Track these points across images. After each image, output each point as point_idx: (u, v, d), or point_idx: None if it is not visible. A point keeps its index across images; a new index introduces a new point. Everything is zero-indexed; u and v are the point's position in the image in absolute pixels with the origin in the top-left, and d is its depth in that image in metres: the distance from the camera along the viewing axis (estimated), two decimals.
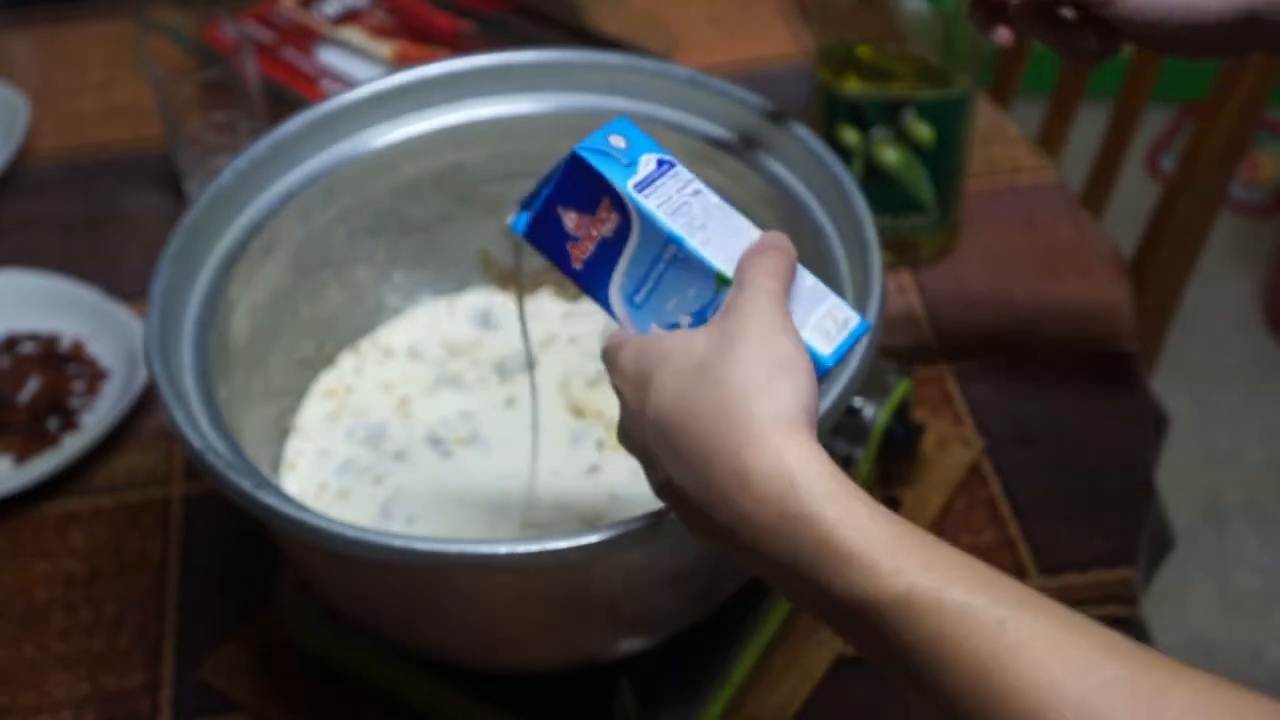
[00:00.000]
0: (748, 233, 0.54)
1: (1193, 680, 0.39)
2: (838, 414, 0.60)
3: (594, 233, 0.56)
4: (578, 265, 0.57)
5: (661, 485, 0.50)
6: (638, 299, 0.56)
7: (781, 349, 0.48)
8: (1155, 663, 0.40)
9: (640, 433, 0.50)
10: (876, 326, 0.63)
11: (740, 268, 0.52)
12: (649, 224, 0.54)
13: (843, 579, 0.43)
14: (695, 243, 0.53)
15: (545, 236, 0.58)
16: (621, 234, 0.55)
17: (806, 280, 0.53)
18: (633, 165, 0.55)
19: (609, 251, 0.56)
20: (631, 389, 0.51)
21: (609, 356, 0.53)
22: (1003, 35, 0.69)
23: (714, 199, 0.55)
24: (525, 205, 0.58)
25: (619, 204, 0.55)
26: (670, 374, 0.49)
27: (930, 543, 0.44)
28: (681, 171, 0.56)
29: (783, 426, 0.46)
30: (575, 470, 0.75)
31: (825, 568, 0.44)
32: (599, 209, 0.55)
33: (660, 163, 0.56)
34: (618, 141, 0.56)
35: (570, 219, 0.57)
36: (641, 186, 0.54)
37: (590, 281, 0.57)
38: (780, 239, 0.53)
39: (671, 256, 0.54)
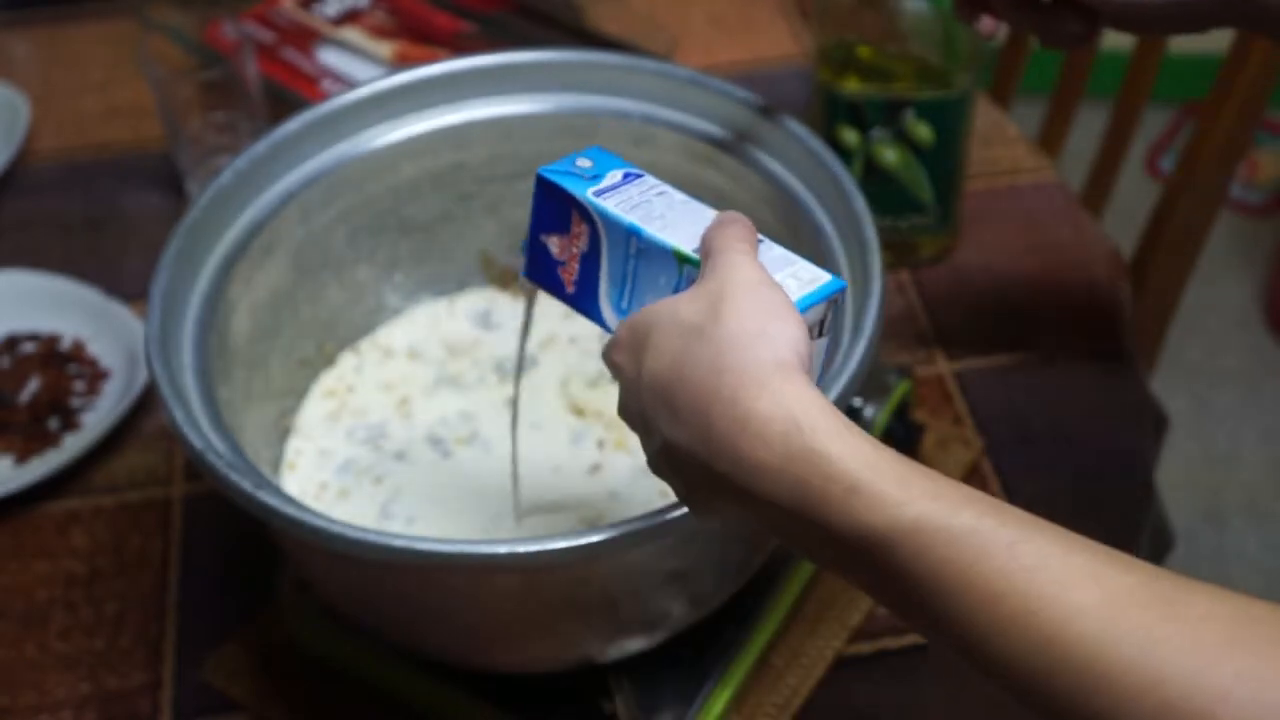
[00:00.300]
0: (710, 219, 0.55)
1: (1209, 589, 0.39)
2: None
3: (574, 250, 0.57)
4: (570, 289, 0.59)
5: (658, 451, 0.50)
6: (623, 305, 0.57)
7: (768, 298, 0.49)
8: (1168, 574, 0.40)
9: (636, 400, 0.50)
10: (876, 325, 0.63)
11: (706, 240, 0.52)
12: (610, 224, 0.55)
13: (849, 513, 0.43)
14: (652, 230, 0.54)
15: (541, 271, 0.60)
16: (595, 244, 0.56)
17: (774, 250, 0.54)
18: (596, 179, 0.57)
19: (591, 265, 0.57)
20: (627, 359, 0.51)
21: (607, 345, 0.53)
22: (986, 25, 0.69)
23: (680, 197, 0.57)
24: (525, 249, 0.60)
25: (585, 214, 0.56)
26: (662, 337, 0.49)
27: (935, 475, 0.44)
28: (649, 179, 0.57)
29: (780, 371, 0.46)
30: (576, 469, 0.75)
31: (831, 503, 0.44)
32: (572, 225, 0.57)
33: (627, 175, 0.57)
34: (584, 163, 0.58)
35: (554, 245, 0.58)
36: (601, 193, 0.56)
37: (583, 301, 0.58)
38: (738, 214, 0.53)
39: (637, 250, 0.55)
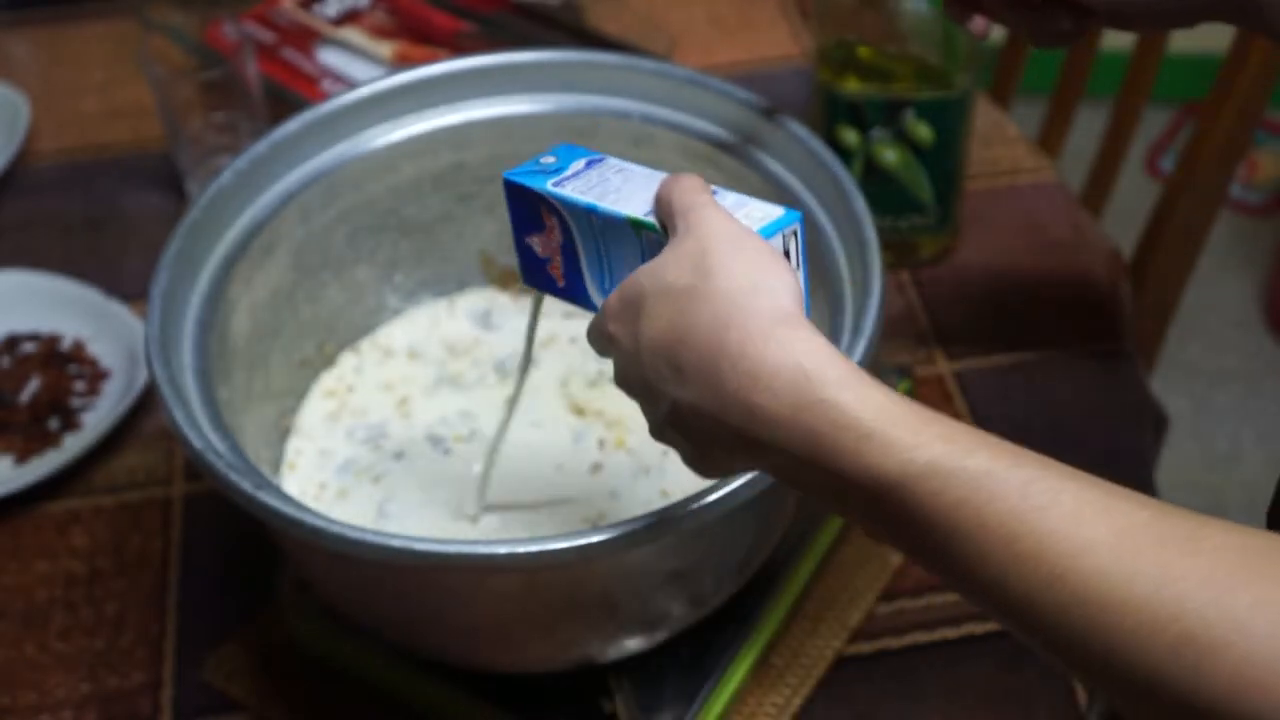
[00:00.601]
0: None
1: (1220, 523, 0.39)
2: None
3: (553, 244, 0.58)
4: (561, 283, 0.59)
5: (665, 414, 0.49)
6: (606, 285, 0.57)
7: (753, 247, 0.49)
8: (1182, 510, 0.40)
9: (637, 368, 0.50)
10: (876, 325, 0.63)
11: (662, 201, 0.52)
12: (572, 208, 0.56)
13: (862, 459, 0.43)
14: (607, 204, 0.55)
15: (534, 274, 0.60)
16: (567, 233, 0.57)
17: (728, 197, 0.54)
18: (558, 171, 0.57)
19: (570, 255, 0.58)
20: (621, 328, 0.51)
21: (596, 319, 0.53)
22: (978, 25, 0.69)
23: (640, 170, 0.57)
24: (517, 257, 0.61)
25: (550, 207, 0.57)
26: (655, 301, 0.49)
27: (947, 419, 0.44)
28: (610, 161, 0.58)
29: (784, 321, 0.46)
30: (576, 469, 0.75)
31: (844, 451, 0.44)
32: (544, 220, 0.58)
33: (589, 162, 0.58)
34: (548, 160, 0.58)
35: (536, 244, 0.59)
36: (560, 182, 0.57)
37: (574, 292, 0.59)
38: (685, 172, 0.53)
39: (600, 227, 0.55)
